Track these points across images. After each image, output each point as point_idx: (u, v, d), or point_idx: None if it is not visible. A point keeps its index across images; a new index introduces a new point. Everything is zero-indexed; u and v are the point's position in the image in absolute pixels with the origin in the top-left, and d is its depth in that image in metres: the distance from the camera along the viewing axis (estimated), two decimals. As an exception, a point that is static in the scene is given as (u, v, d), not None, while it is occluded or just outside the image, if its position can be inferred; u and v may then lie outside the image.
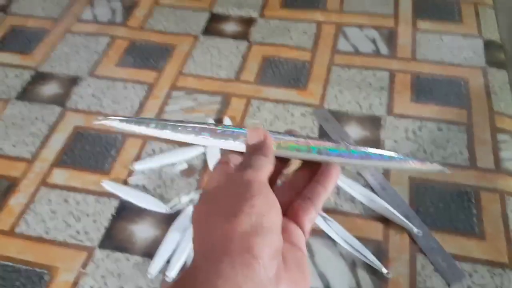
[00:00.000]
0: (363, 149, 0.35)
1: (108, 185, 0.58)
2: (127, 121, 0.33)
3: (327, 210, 0.55)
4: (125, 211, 0.56)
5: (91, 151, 0.63)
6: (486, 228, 0.53)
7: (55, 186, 0.59)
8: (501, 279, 0.49)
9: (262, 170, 0.30)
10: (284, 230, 0.30)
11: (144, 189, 0.58)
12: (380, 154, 0.35)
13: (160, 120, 0.34)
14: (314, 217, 0.33)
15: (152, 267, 0.51)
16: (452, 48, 0.73)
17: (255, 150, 0.32)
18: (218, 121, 0.65)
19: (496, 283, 0.49)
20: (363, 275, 0.50)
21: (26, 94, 0.71)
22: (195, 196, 0.57)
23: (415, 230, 0.53)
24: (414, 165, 0.35)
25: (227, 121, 0.65)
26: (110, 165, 0.61)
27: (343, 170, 0.58)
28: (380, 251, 0.52)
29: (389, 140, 0.62)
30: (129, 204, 0.57)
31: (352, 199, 0.56)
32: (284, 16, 0.80)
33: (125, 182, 0.59)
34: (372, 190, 0.57)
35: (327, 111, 0.66)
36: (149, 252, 0.52)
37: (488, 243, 0.52)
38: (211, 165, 0.59)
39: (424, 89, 0.68)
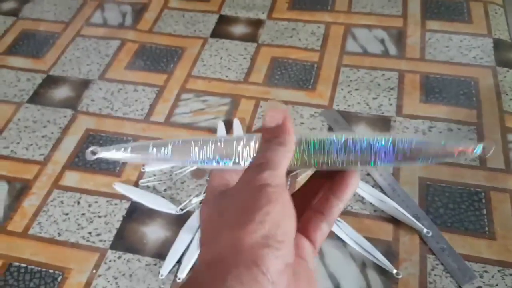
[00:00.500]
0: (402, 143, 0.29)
1: (119, 187, 0.59)
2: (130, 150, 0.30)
3: (336, 211, 0.55)
4: (136, 213, 0.57)
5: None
6: (496, 228, 0.53)
7: (67, 188, 0.60)
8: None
9: (279, 167, 0.27)
10: (294, 244, 0.27)
11: (154, 190, 0.59)
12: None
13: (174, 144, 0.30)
14: (326, 232, 0.30)
15: (163, 268, 0.51)
16: (461, 48, 0.73)
17: (271, 137, 0.28)
18: (228, 123, 0.65)
19: (507, 283, 0.49)
20: (373, 276, 0.50)
21: (38, 97, 0.72)
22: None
23: (425, 230, 0.53)
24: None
25: (236, 123, 0.65)
26: (121, 167, 0.62)
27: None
28: (390, 252, 0.52)
29: (399, 140, 0.62)
30: (140, 206, 0.57)
31: (362, 200, 0.56)
32: (292, 17, 0.80)
33: (136, 184, 0.60)
34: (382, 190, 0.57)
35: (336, 112, 0.66)
36: (160, 253, 0.53)
37: (499, 243, 0.52)
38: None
39: (433, 89, 0.68)
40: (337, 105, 0.67)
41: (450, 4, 0.80)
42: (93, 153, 0.30)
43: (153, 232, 0.55)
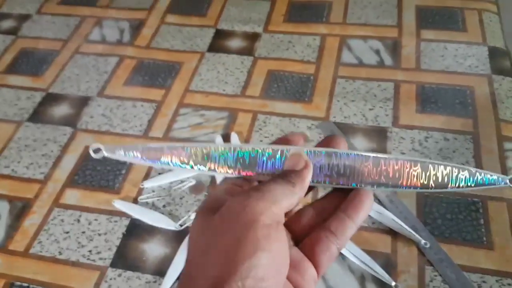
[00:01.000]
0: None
1: (119, 204, 0.59)
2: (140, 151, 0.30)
3: (335, 224, 0.55)
4: (136, 230, 0.57)
5: (102, 171, 0.64)
6: (494, 238, 0.53)
7: (67, 206, 0.61)
8: (510, 290, 0.49)
9: (279, 203, 0.25)
10: (295, 267, 0.26)
11: (154, 207, 0.60)
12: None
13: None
14: (335, 255, 0.28)
15: (163, 285, 0.52)
16: (456, 57, 0.74)
17: (284, 174, 0.27)
18: (226, 137, 0.66)
19: (506, 294, 0.49)
20: (372, 288, 0.51)
21: (37, 115, 0.72)
22: (204, 213, 0.58)
23: (422, 242, 0.53)
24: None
25: (234, 136, 0.66)
26: (121, 184, 0.62)
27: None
28: (389, 264, 0.52)
29: (396, 151, 0.62)
30: (140, 222, 0.58)
31: (360, 212, 0.56)
32: (288, 30, 0.81)
33: (135, 201, 0.60)
34: (380, 202, 0.57)
35: (333, 124, 0.66)
36: (160, 271, 0.53)
37: (497, 253, 0.52)
38: (219, 181, 0.60)
39: (429, 99, 0.68)
40: (334, 117, 0.67)
41: (444, 13, 0.81)
42: (96, 152, 0.31)
43: (153, 249, 0.55)
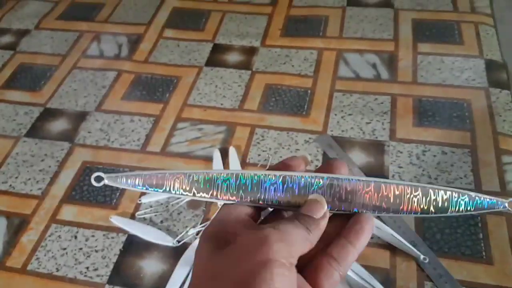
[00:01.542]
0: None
1: (116, 220, 0.59)
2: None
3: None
4: (133, 246, 0.57)
5: (99, 186, 0.64)
6: (493, 252, 0.53)
7: (64, 223, 0.60)
8: (510, 305, 0.49)
9: (294, 245, 0.25)
10: None
11: (151, 222, 0.59)
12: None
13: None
14: (337, 282, 0.28)
15: (160, 302, 0.51)
16: (453, 70, 0.74)
17: (302, 217, 0.27)
18: (224, 151, 0.66)
19: (506, 309, 0.49)
20: (370, 304, 0.50)
21: (35, 131, 0.72)
22: (201, 228, 0.58)
23: (421, 257, 0.52)
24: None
25: (232, 151, 0.66)
26: (118, 199, 0.62)
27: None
28: (388, 280, 0.52)
29: (394, 165, 0.62)
30: (137, 239, 0.58)
31: (358, 227, 0.56)
32: (285, 44, 0.81)
33: (133, 216, 0.60)
34: (378, 217, 0.57)
35: (330, 138, 0.66)
36: (157, 287, 0.53)
37: (496, 267, 0.52)
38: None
39: (426, 112, 0.68)
40: (331, 131, 0.67)
41: (441, 26, 0.81)
42: (98, 180, 0.31)
43: (150, 266, 0.55)
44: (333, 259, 0.28)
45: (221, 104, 0.73)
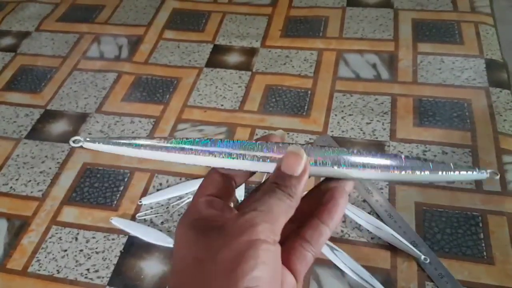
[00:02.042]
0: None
1: (116, 222, 0.59)
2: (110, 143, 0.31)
3: (334, 240, 0.55)
4: (134, 247, 0.57)
5: (100, 188, 0.64)
6: (494, 252, 0.53)
7: (65, 224, 0.60)
8: (511, 305, 0.49)
9: (278, 221, 0.25)
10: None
11: (152, 224, 0.59)
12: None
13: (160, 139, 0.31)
14: (311, 262, 0.29)
15: (161, 303, 0.51)
16: (453, 70, 0.74)
17: (280, 184, 0.27)
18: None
19: (507, 310, 0.49)
20: (371, 305, 0.50)
21: (36, 132, 0.72)
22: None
23: (422, 257, 0.52)
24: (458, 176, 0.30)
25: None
26: (119, 201, 0.62)
27: (349, 197, 0.58)
28: (389, 280, 0.52)
29: (394, 165, 0.62)
30: (138, 240, 0.58)
31: (359, 227, 0.56)
32: (285, 45, 0.81)
33: (133, 218, 0.60)
34: (379, 217, 0.57)
35: (330, 138, 0.66)
36: (158, 289, 0.53)
37: (497, 268, 0.52)
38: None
39: (427, 112, 0.68)
40: (332, 131, 0.67)
41: (441, 26, 0.81)
42: (76, 142, 0.32)
43: (151, 267, 0.55)
44: (305, 241, 0.28)
45: (222, 105, 0.73)
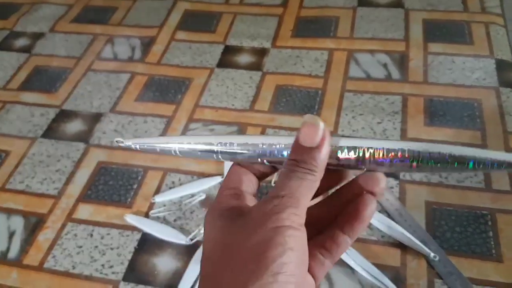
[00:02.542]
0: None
1: (130, 219, 0.60)
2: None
3: (344, 237, 0.56)
4: (147, 244, 0.58)
5: (114, 186, 0.65)
6: (503, 250, 0.53)
7: (80, 221, 0.62)
8: (521, 303, 0.49)
9: (302, 203, 0.25)
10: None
11: (165, 221, 0.60)
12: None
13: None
14: (329, 268, 0.29)
15: (174, 299, 0.52)
16: (464, 70, 0.74)
17: (300, 160, 0.26)
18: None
19: (516, 307, 0.49)
20: (381, 302, 0.51)
21: (51, 132, 0.74)
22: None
23: (432, 255, 0.53)
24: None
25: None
26: (132, 198, 0.63)
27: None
28: (398, 278, 0.52)
29: (404, 164, 0.62)
30: (151, 237, 0.59)
31: (369, 225, 0.57)
32: (296, 45, 0.82)
33: (146, 215, 0.61)
34: (389, 216, 0.58)
35: (341, 138, 0.67)
36: (171, 285, 0.54)
37: (506, 265, 0.52)
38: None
39: (437, 112, 0.69)
40: (342, 131, 0.68)
41: (451, 26, 0.81)
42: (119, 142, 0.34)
43: (164, 263, 0.56)
44: (325, 250, 0.28)
45: (232, 105, 0.74)
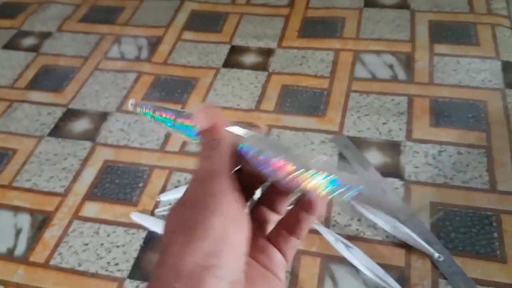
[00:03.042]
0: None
1: (136, 217, 0.61)
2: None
3: (349, 237, 0.56)
4: (153, 242, 0.59)
5: (120, 184, 0.65)
6: (507, 251, 0.53)
7: (87, 219, 0.62)
8: (525, 304, 0.49)
9: (220, 173, 0.26)
10: (263, 252, 0.28)
11: (170, 220, 0.61)
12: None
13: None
14: (297, 246, 0.29)
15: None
16: (469, 71, 0.74)
17: (207, 140, 0.28)
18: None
19: (521, 308, 0.49)
20: (385, 301, 0.51)
21: (58, 130, 0.74)
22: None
23: (436, 255, 0.53)
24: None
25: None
26: (138, 197, 0.64)
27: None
28: (403, 278, 0.52)
29: (410, 165, 0.63)
30: (157, 235, 0.59)
31: (374, 225, 0.57)
32: (302, 45, 0.83)
33: (152, 213, 0.62)
34: (394, 216, 0.58)
35: (346, 138, 0.67)
36: (176, 282, 0.54)
37: (510, 266, 0.52)
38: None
39: (443, 113, 0.69)
40: (347, 131, 0.68)
41: (457, 27, 0.81)
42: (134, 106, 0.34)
43: (169, 261, 0.56)
44: (289, 229, 0.29)
45: (238, 105, 0.74)
